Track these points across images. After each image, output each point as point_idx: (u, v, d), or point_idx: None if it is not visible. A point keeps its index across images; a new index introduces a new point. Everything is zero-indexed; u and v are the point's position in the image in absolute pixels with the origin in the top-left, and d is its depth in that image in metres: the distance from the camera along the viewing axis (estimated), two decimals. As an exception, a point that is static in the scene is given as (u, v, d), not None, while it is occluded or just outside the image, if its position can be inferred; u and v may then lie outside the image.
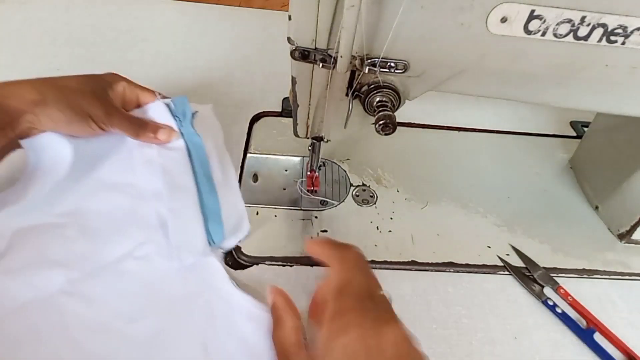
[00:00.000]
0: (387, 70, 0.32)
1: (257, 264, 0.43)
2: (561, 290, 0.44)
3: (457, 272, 0.44)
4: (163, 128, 0.44)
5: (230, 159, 0.49)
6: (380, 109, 0.34)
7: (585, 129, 0.58)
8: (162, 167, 0.43)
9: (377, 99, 0.34)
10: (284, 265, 0.43)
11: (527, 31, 0.30)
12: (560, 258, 0.47)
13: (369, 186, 0.51)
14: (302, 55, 0.32)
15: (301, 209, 0.48)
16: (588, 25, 0.29)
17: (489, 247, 0.47)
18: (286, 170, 0.51)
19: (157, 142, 0.44)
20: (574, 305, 0.43)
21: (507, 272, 0.45)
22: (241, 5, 0.79)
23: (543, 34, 0.30)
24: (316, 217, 0.47)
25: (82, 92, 0.40)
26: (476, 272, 0.45)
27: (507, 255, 0.46)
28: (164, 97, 0.46)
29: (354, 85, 0.34)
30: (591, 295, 0.44)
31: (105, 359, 0.34)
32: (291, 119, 0.41)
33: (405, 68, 0.33)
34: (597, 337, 0.41)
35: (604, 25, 0.29)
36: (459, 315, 0.41)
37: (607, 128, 0.52)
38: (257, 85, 0.62)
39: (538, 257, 0.46)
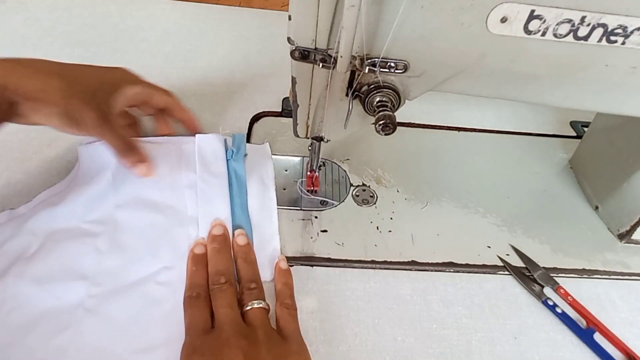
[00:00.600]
0: (387, 70, 0.32)
1: (257, 264, 0.42)
2: (561, 290, 0.44)
3: (457, 272, 0.44)
4: (147, 162, 0.40)
5: (274, 196, 0.47)
6: (380, 109, 0.34)
7: (585, 129, 0.58)
8: (202, 194, 0.43)
9: (377, 99, 0.34)
10: (284, 264, 0.43)
11: (527, 31, 0.30)
12: (560, 258, 0.47)
13: (369, 186, 0.51)
14: (302, 55, 0.32)
15: (301, 209, 0.48)
16: (588, 25, 0.29)
17: (489, 247, 0.47)
18: (286, 170, 0.51)
19: (133, 170, 0.40)
20: (574, 305, 0.43)
21: (507, 272, 0.45)
22: (241, 5, 0.79)
23: (543, 34, 0.30)
24: (316, 217, 0.47)
25: (83, 93, 0.38)
26: (476, 272, 0.45)
27: (507, 255, 0.46)
28: (226, 133, 0.49)
29: (354, 85, 0.34)
30: (591, 295, 0.44)
31: None
32: (291, 119, 0.41)
33: (405, 68, 0.33)
34: (597, 337, 0.41)
35: (604, 25, 0.29)
36: (459, 315, 0.41)
37: (607, 128, 0.52)
38: (257, 85, 0.62)
39: (538, 257, 0.46)
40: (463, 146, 0.58)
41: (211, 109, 0.58)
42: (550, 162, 0.58)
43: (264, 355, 0.33)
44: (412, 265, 0.44)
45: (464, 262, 0.45)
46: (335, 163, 0.53)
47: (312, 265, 0.43)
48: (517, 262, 0.46)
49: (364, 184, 0.51)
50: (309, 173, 0.49)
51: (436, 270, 0.44)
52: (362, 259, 0.44)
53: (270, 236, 0.44)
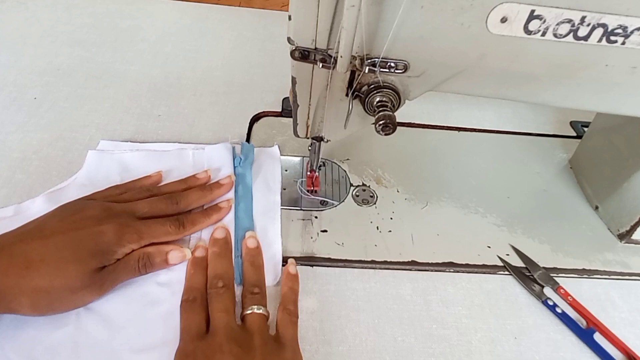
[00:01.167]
0: (387, 70, 0.32)
1: (257, 264, 0.42)
2: (561, 290, 0.44)
3: (457, 272, 0.44)
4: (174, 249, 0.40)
5: (279, 200, 0.47)
6: (380, 109, 0.34)
7: (585, 129, 0.58)
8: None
9: (377, 99, 0.34)
10: (284, 265, 0.43)
11: (527, 31, 0.30)
12: (560, 258, 0.47)
13: (369, 186, 0.51)
14: (302, 55, 0.32)
15: (301, 209, 0.48)
16: (588, 25, 0.29)
17: (489, 247, 0.47)
18: (286, 170, 0.51)
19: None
20: (574, 305, 0.43)
21: (507, 272, 0.45)
22: (241, 5, 0.79)
23: (543, 34, 0.30)
24: (316, 217, 0.47)
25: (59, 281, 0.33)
26: (476, 272, 0.45)
27: (507, 255, 0.46)
28: (234, 142, 0.51)
29: (354, 85, 0.34)
30: (591, 295, 0.44)
31: None
32: (291, 119, 0.41)
33: (405, 68, 0.33)
34: (597, 337, 0.41)
35: (604, 25, 0.29)
36: (459, 315, 0.41)
37: (607, 128, 0.52)
38: (257, 85, 0.62)
39: (538, 257, 0.46)
40: (463, 146, 0.58)
41: (211, 109, 0.58)
42: (550, 162, 0.58)
43: None
44: (412, 265, 0.44)
45: (464, 262, 0.45)
46: (335, 163, 0.53)
47: (312, 265, 0.43)
48: (517, 262, 0.46)
49: (364, 184, 0.51)
50: (309, 173, 0.49)
51: (436, 271, 0.44)
52: (362, 259, 0.44)
53: (272, 240, 0.43)
